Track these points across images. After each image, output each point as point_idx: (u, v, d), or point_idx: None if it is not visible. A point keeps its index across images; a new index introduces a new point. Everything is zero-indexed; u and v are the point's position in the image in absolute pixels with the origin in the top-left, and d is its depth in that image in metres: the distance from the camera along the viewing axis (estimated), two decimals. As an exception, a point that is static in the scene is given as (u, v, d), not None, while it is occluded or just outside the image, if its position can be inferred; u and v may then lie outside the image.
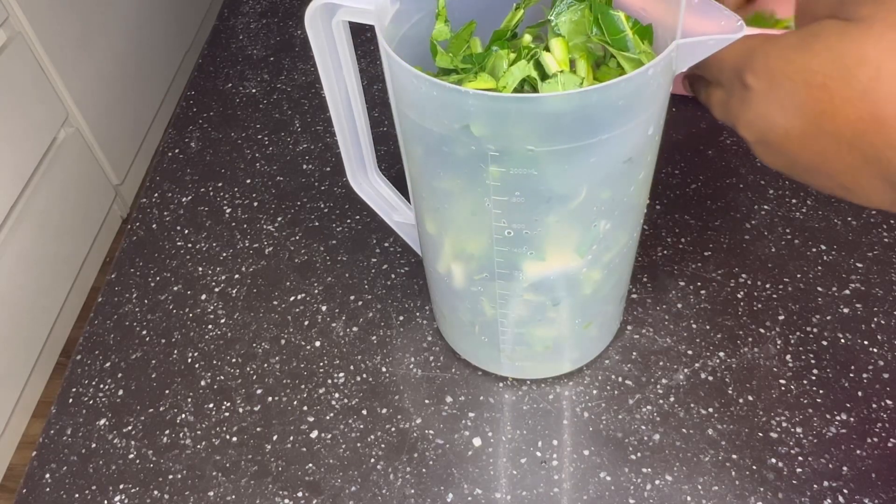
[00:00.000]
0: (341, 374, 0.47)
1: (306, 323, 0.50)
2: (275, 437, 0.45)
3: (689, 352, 0.47)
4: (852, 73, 0.27)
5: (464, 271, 0.39)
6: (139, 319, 0.51)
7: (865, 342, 0.46)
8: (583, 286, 0.39)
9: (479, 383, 0.46)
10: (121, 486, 0.43)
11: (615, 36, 0.33)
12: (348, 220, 0.56)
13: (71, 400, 0.48)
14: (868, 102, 0.27)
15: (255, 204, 0.58)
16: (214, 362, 0.49)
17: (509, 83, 0.33)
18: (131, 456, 0.45)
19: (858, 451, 0.42)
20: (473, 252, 0.37)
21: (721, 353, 0.46)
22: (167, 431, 0.45)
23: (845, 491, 0.40)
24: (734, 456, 0.42)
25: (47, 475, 0.44)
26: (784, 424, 0.43)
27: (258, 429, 0.45)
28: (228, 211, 0.58)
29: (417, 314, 0.50)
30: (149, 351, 0.50)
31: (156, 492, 0.43)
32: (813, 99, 0.28)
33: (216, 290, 0.53)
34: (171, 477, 0.43)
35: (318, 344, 0.49)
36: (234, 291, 0.53)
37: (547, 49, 0.34)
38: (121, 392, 0.48)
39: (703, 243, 0.52)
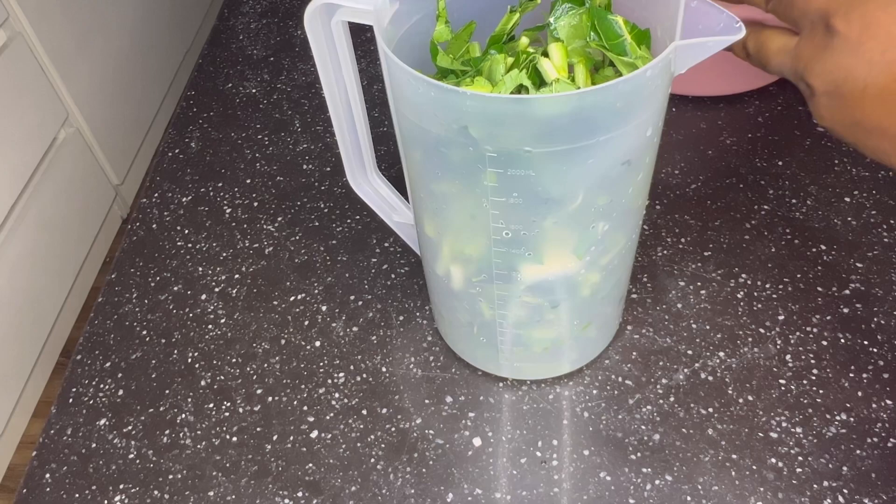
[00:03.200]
0: (341, 374, 0.47)
1: (306, 323, 0.50)
2: (275, 437, 0.45)
3: (689, 352, 0.47)
4: None
5: (462, 273, 0.39)
6: (139, 319, 0.52)
7: (865, 342, 0.46)
8: (581, 288, 0.39)
9: (479, 383, 0.46)
10: (121, 486, 0.43)
11: (613, 41, 0.33)
12: (348, 220, 0.56)
13: (71, 400, 0.48)
14: None
15: (255, 204, 0.58)
16: (214, 362, 0.49)
17: (502, 92, 0.33)
18: (131, 456, 0.45)
19: (858, 451, 0.42)
20: (472, 254, 0.37)
21: (721, 353, 0.46)
22: (167, 431, 0.46)
23: (845, 491, 0.40)
24: (734, 456, 0.42)
25: (47, 475, 0.44)
26: (784, 424, 0.43)
27: (258, 429, 0.45)
28: (228, 211, 0.58)
29: (417, 314, 0.50)
30: (149, 351, 0.50)
31: (156, 492, 0.43)
32: None
33: (216, 290, 0.53)
34: (171, 477, 0.44)
35: (318, 344, 0.49)
36: (234, 291, 0.53)
37: (545, 54, 0.34)
38: (121, 392, 0.48)
39: (703, 243, 0.52)
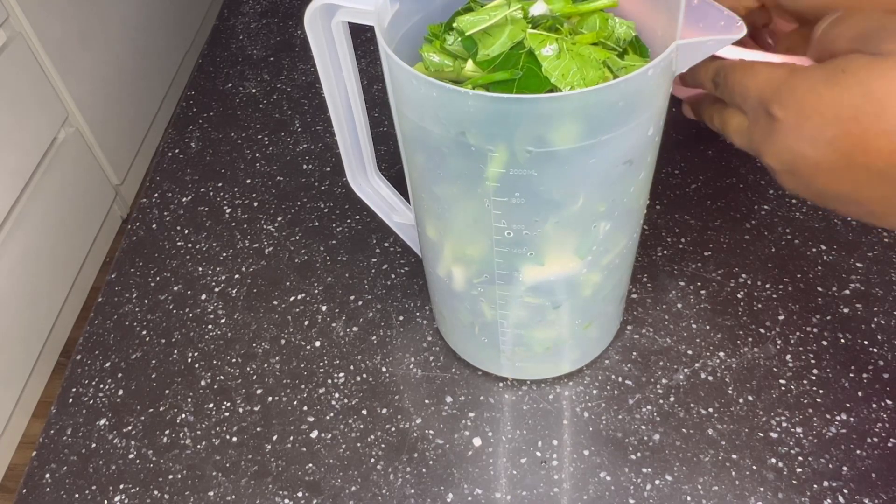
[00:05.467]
0: (341, 374, 0.47)
1: (306, 323, 0.50)
2: (275, 437, 0.45)
3: (689, 352, 0.47)
4: (884, 107, 0.27)
5: (464, 274, 0.39)
6: (139, 319, 0.51)
7: (865, 342, 0.46)
8: (583, 288, 0.39)
9: (479, 383, 0.46)
10: (121, 486, 0.43)
11: None
12: (348, 220, 0.56)
13: (71, 400, 0.48)
14: None
15: (255, 204, 0.58)
16: (214, 362, 0.49)
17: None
18: (131, 456, 0.45)
19: (858, 451, 0.42)
20: (473, 255, 0.37)
21: (721, 353, 0.46)
22: (167, 431, 0.45)
23: (845, 491, 0.40)
24: (734, 456, 0.42)
25: (47, 475, 0.44)
26: (784, 424, 0.43)
27: (258, 429, 0.45)
28: (228, 211, 0.58)
29: (417, 314, 0.50)
30: (149, 351, 0.50)
31: (156, 492, 0.43)
32: (844, 132, 0.29)
33: (216, 290, 0.53)
34: (171, 477, 0.43)
35: (318, 344, 0.49)
36: (234, 291, 0.53)
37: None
38: (121, 392, 0.48)
39: (703, 243, 0.52)
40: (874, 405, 0.43)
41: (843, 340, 0.46)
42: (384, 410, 0.45)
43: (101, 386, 0.48)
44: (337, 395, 0.46)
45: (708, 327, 0.48)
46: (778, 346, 0.46)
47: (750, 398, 0.44)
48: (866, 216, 0.31)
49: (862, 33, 0.29)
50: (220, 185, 0.60)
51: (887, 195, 0.29)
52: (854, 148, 0.29)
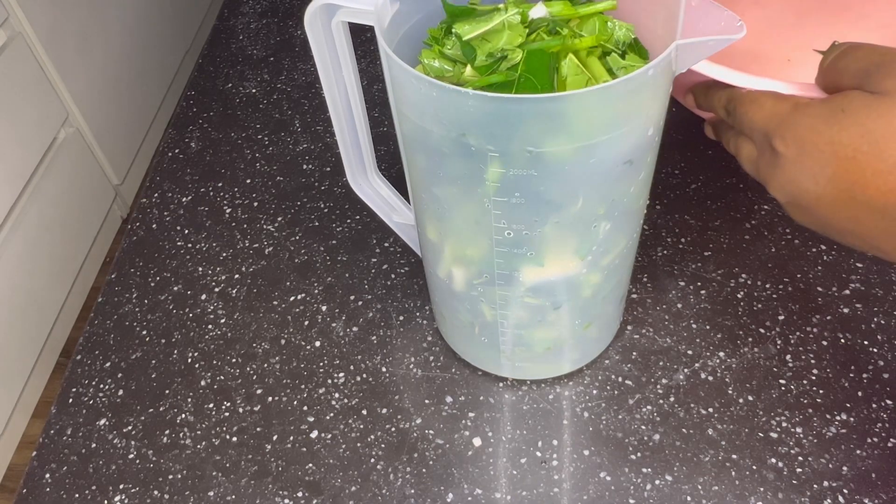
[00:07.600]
0: (341, 374, 0.47)
1: (306, 323, 0.50)
2: (275, 437, 0.45)
3: (689, 352, 0.47)
4: (881, 147, 0.28)
5: (464, 275, 0.39)
6: (139, 319, 0.51)
7: (865, 342, 0.46)
8: (583, 288, 0.39)
9: (479, 383, 0.46)
10: (121, 486, 0.43)
11: None
12: (348, 220, 0.56)
13: (71, 400, 0.48)
14: None
15: (255, 204, 0.58)
16: (214, 362, 0.49)
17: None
18: (131, 456, 0.45)
19: (858, 451, 0.42)
20: (474, 255, 0.37)
21: (721, 353, 0.46)
22: (167, 431, 0.45)
23: (845, 491, 0.40)
24: (734, 456, 0.42)
25: (47, 475, 0.44)
26: (784, 424, 0.43)
27: (258, 429, 0.45)
28: (228, 211, 0.58)
29: (417, 314, 0.50)
30: (149, 351, 0.50)
31: (156, 492, 0.43)
32: (843, 170, 0.29)
33: (216, 290, 0.53)
34: (171, 477, 0.43)
35: (318, 344, 0.49)
36: (234, 291, 0.53)
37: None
38: (121, 392, 0.48)
39: (703, 243, 0.52)
40: (874, 405, 0.43)
41: (843, 340, 0.46)
42: (384, 410, 0.45)
43: (101, 386, 0.48)
44: (337, 395, 0.46)
45: (708, 327, 0.48)
46: (778, 346, 0.46)
47: (750, 398, 0.44)
48: (872, 250, 0.32)
49: (864, 69, 0.30)
50: (220, 185, 0.60)
51: (889, 230, 0.30)
52: (853, 185, 0.29)
